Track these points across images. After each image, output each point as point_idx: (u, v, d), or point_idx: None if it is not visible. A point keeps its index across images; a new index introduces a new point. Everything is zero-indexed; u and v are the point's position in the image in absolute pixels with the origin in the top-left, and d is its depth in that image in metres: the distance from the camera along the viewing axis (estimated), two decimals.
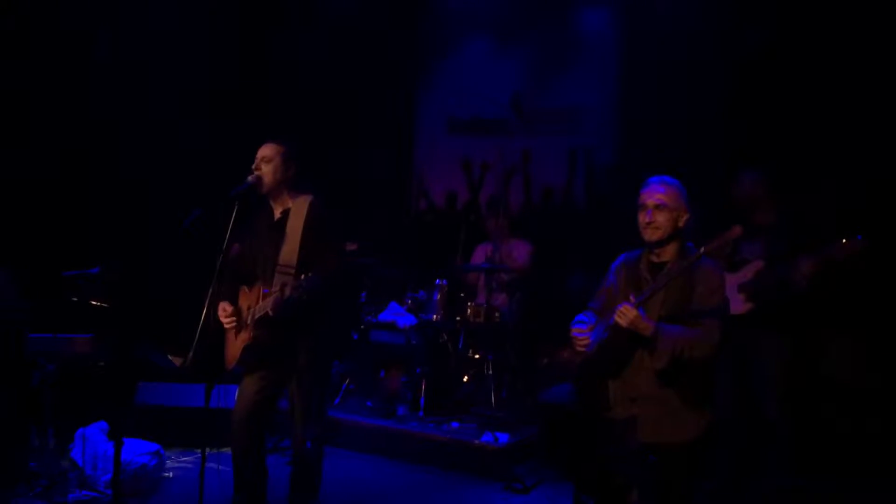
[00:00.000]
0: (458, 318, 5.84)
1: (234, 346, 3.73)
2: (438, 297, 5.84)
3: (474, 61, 7.11)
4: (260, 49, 7.04)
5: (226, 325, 3.70)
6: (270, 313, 3.47)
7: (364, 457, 5.13)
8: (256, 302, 3.60)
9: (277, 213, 3.73)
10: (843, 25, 5.14)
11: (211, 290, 3.38)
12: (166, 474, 4.57)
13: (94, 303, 3.93)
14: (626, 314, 3.04)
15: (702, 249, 3.06)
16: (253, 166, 3.64)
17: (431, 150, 7.47)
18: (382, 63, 7.21)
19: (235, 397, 3.74)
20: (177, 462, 4.74)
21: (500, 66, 6.97)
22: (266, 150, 3.66)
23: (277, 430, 5.29)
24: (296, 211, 3.67)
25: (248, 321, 3.62)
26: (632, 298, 3.09)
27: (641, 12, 6.13)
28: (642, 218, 3.24)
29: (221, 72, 6.64)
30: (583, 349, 3.30)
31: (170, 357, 4.03)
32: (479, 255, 6.33)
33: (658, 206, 3.19)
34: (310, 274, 3.37)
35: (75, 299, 3.93)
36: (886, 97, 5.00)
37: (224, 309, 3.67)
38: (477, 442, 4.95)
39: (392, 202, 7.49)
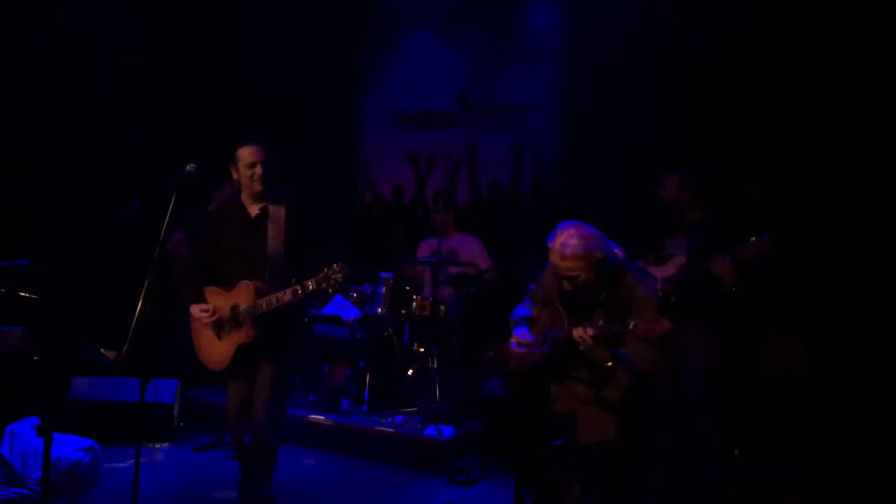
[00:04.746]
0: (403, 312, 5.82)
1: (220, 347, 3.72)
2: (384, 290, 5.81)
3: (420, 54, 7.07)
4: (201, 43, 6.88)
5: (205, 322, 3.69)
6: (286, 301, 3.48)
7: (307, 451, 5.08)
8: (248, 300, 3.58)
9: (254, 211, 3.74)
10: (776, 34, 5.29)
11: (147, 283, 3.32)
12: (101, 471, 4.46)
13: (22, 294, 3.82)
14: (586, 340, 3.03)
15: (631, 325, 2.99)
16: (249, 172, 3.66)
17: (378, 144, 7.42)
18: (327, 56, 7.14)
19: (229, 401, 3.83)
20: (113, 458, 4.62)
21: (446, 59, 6.95)
22: (258, 153, 3.68)
23: (219, 426, 5.23)
24: (274, 208, 3.71)
25: (245, 318, 3.59)
26: (601, 324, 3.05)
27: (587, 10, 6.17)
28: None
29: (161, 66, 6.52)
30: (522, 353, 3.33)
31: (103, 351, 3.93)
32: (425, 249, 6.31)
33: (574, 277, 3.19)
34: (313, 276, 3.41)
35: (2, 291, 3.81)
36: (810, 104, 5.17)
37: (204, 310, 3.67)
38: (421, 435, 4.95)
39: (338, 196, 7.42)
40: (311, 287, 3.40)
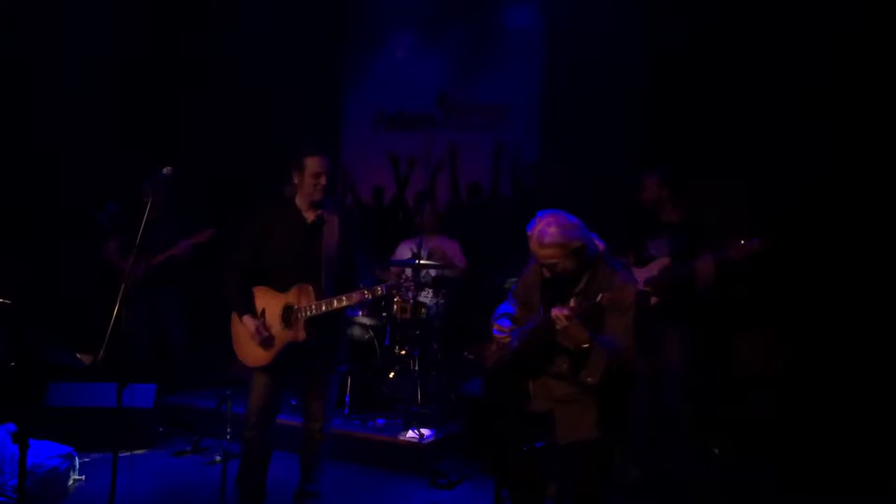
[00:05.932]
0: (384, 314, 5.80)
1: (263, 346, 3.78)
2: None
3: (400, 56, 7.08)
4: (177, 38, 6.84)
5: (259, 341, 3.74)
6: (353, 303, 3.65)
7: (288, 455, 5.02)
8: (301, 301, 3.68)
9: (311, 217, 3.84)
10: (754, 35, 5.35)
11: (123, 287, 3.30)
12: (79, 477, 4.42)
13: None
14: (561, 320, 3.01)
15: (599, 297, 2.98)
16: (313, 181, 3.73)
17: (358, 145, 7.41)
18: (307, 57, 7.12)
19: (256, 394, 3.85)
20: (90, 464, 4.58)
21: (426, 61, 6.96)
22: (325, 164, 3.77)
23: (197, 432, 5.19)
24: (329, 216, 3.85)
25: (299, 318, 3.68)
26: (572, 303, 3.03)
27: (565, 11, 6.20)
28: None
29: (133, 62, 6.49)
30: (503, 345, 3.32)
31: (78, 355, 3.90)
32: (404, 250, 6.29)
33: (553, 265, 3.18)
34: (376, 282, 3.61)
35: None
36: (791, 106, 5.23)
37: (260, 332, 3.72)
38: (402, 438, 4.94)
39: None
40: (380, 292, 3.59)
